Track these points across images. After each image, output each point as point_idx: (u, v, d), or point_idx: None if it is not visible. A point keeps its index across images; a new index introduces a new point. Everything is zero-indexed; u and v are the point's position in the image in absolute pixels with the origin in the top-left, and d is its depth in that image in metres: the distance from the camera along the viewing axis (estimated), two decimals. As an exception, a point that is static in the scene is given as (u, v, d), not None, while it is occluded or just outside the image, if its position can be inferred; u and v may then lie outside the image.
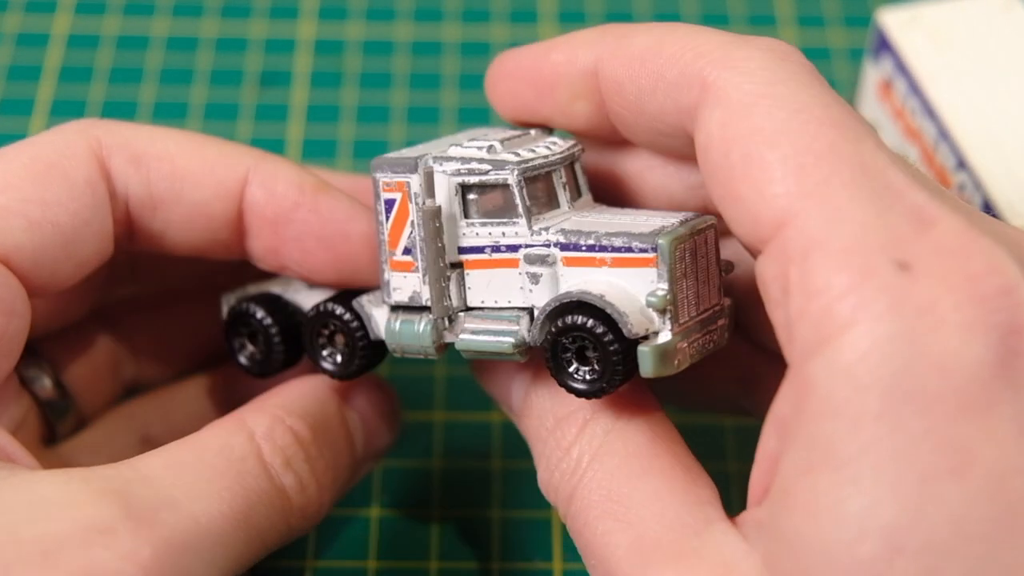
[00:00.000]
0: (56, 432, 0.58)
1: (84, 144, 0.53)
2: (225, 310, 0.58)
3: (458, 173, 0.51)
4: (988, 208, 0.64)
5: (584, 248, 0.50)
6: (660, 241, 0.48)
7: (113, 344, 0.61)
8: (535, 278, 0.51)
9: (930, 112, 0.68)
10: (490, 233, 0.51)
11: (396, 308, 0.53)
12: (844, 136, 0.44)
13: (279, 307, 0.56)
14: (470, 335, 0.52)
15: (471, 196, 0.51)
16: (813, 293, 0.42)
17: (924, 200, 0.43)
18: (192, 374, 0.64)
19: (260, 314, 0.56)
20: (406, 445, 0.66)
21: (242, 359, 0.57)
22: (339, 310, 0.54)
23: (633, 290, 0.49)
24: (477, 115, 0.82)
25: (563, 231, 0.50)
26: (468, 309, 0.52)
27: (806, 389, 0.42)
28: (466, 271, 0.52)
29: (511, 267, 0.51)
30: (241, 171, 0.55)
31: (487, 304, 0.52)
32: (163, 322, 0.63)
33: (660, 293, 0.48)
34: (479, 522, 0.63)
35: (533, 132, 0.55)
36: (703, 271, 0.50)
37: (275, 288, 0.57)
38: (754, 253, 0.45)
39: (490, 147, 0.51)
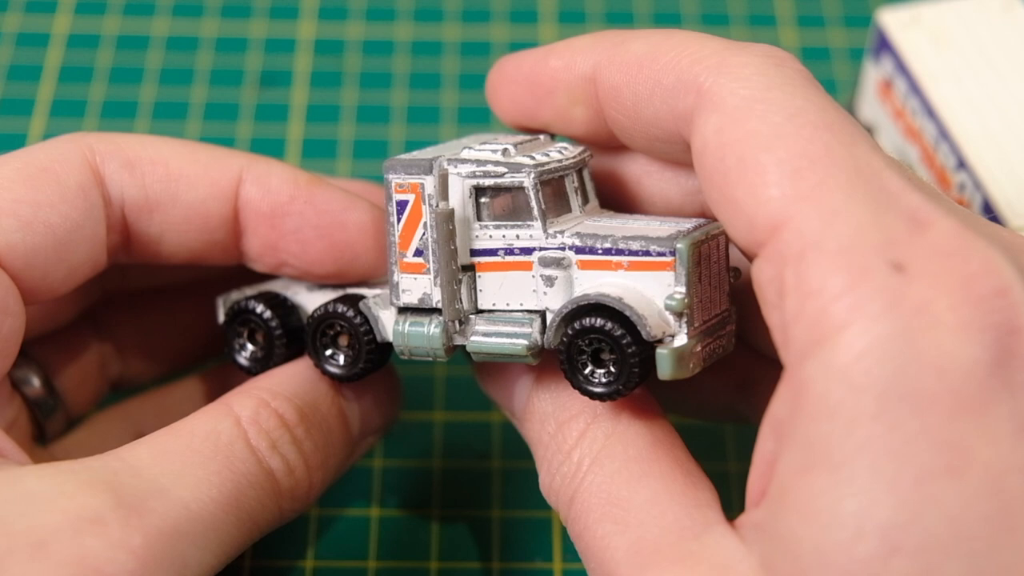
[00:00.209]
0: (45, 431, 0.58)
1: (76, 151, 0.54)
2: (222, 310, 0.57)
3: (473, 175, 0.51)
4: (988, 208, 0.64)
5: (600, 251, 0.50)
6: (679, 245, 0.49)
7: (100, 343, 0.61)
8: (550, 281, 0.51)
9: (930, 112, 0.68)
10: (504, 236, 0.51)
11: (404, 310, 0.53)
12: (839, 139, 0.44)
13: (281, 304, 0.56)
14: (482, 337, 0.52)
15: (484, 199, 0.51)
16: (808, 295, 0.42)
17: (919, 202, 0.43)
18: (186, 374, 0.64)
19: (263, 310, 0.56)
20: (406, 445, 0.66)
21: (241, 359, 0.57)
22: (347, 311, 0.54)
23: (649, 293, 0.49)
24: (477, 115, 0.82)
25: (578, 234, 0.50)
26: (479, 311, 0.52)
27: (802, 390, 0.42)
28: (478, 273, 0.52)
29: (524, 270, 0.51)
30: (234, 171, 0.55)
31: (498, 306, 0.52)
32: (150, 321, 0.63)
33: (678, 296, 0.48)
34: (479, 522, 0.63)
35: (542, 138, 0.55)
36: (715, 276, 0.50)
37: (275, 287, 0.57)
38: (750, 257, 0.46)
39: (504, 150, 0.51)
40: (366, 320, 0.54)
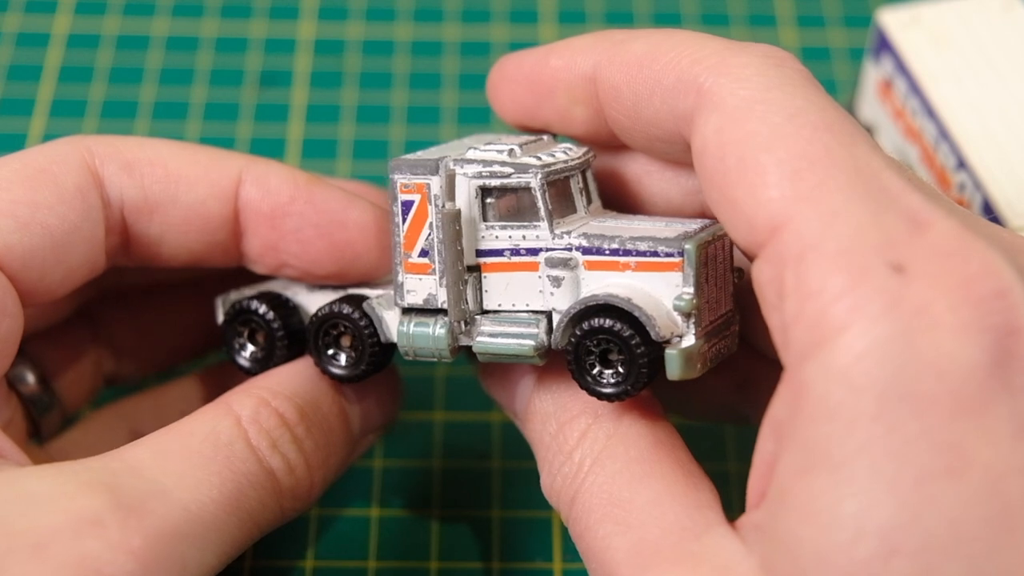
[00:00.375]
0: (41, 429, 0.58)
1: (75, 153, 0.54)
2: (221, 311, 0.57)
3: (479, 175, 0.51)
4: (988, 208, 0.64)
5: (607, 252, 0.50)
6: (687, 246, 0.49)
7: (95, 339, 0.61)
8: (557, 281, 0.51)
9: (930, 112, 0.68)
10: (510, 236, 0.51)
11: (408, 311, 0.53)
12: (839, 140, 0.44)
13: (283, 305, 0.56)
14: (488, 338, 0.52)
15: (490, 199, 0.51)
16: (808, 296, 0.42)
17: (919, 203, 0.43)
18: (182, 372, 0.64)
19: (265, 311, 0.56)
20: (406, 445, 0.66)
21: (241, 359, 0.57)
22: (351, 311, 0.54)
23: (657, 294, 0.49)
24: (477, 115, 0.82)
25: (585, 235, 0.50)
26: (484, 312, 0.52)
27: (802, 392, 0.42)
28: (483, 274, 0.52)
29: (530, 270, 0.51)
30: (234, 172, 0.55)
31: (504, 307, 0.52)
32: (144, 318, 0.63)
33: (687, 297, 0.49)
34: (479, 522, 0.63)
35: (545, 138, 0.55)
36: (720, 277, 0.51)
37: (275, 288, 0.57)
38: (750, 257, 0.46)
39: (511, 151, 0.51)
40: (370, 321, 0.54)
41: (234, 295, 0.57)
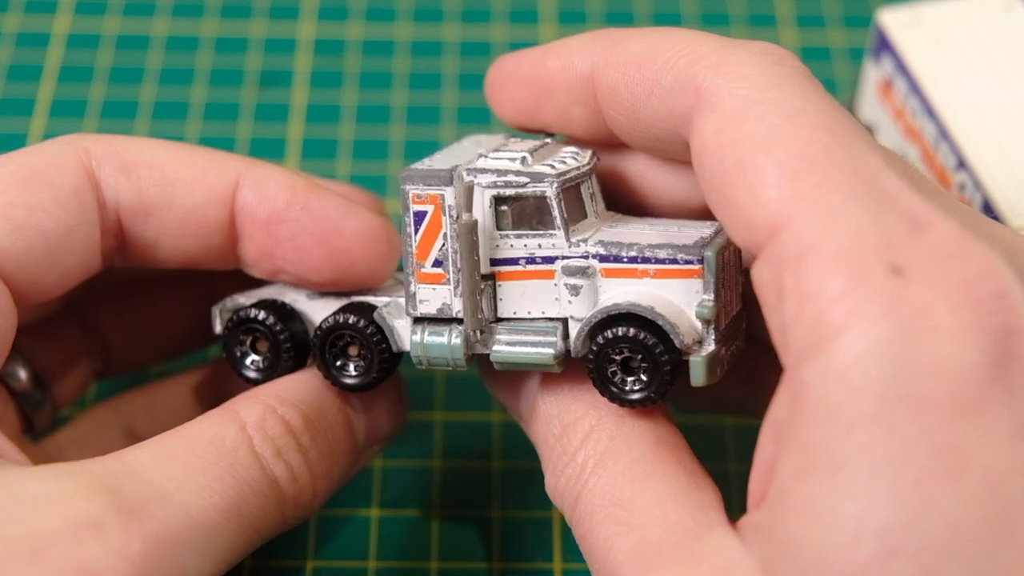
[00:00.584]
0: (33, 424, 0.58)
1: (72, 154, 0.53)
2: (219, 320, 0.56)
3: (494, 185, 0.51)
4: (988, 208, 0.64)
5: (626, 260, 0.50)
6: (707, 253, 0.49)
7: (85, 333, 0.61)
8: (575, 290, 0.51)
9: (930, 112, 0.68)
10: (525, 245, 0.51)
11: (420, 320, 0.53)
12: (838, 140, 0.44)
13: (288, 313, 0.56)
14: (506, 347, 0.52)
15: (504, 208, 0.51)
16: (807, 297, 0.42)
17: (918, 204, 0.43)
18: (175, 369, 0.64)
19: (272, 320, 0.55)
20: (406, 445, 0.66)
21: (247, 371, 0.56)
22: (362, 322, 0.53)
23: (677, 301, 0.49)
24: (477, 115, 0.82)
25: (602, 242, 0.51)
26: (498, 320, 0.52)
27: (801, 393, 0.42)
28: (498, 283, 0.52)
29: (546, 278, 0.51)
30: (231, 176, 0.55)
31: (519, 315, 0.52)
32: (134, 311, 0.62)
33: (709, 304, 0.49)
34: (479, 522, 0.63)
35: (549, 141, 0.55)
36: (732, 279, 0.51)
37: (271, 294, 0.57)
38: (751, 258, 0.46)
39: (523, 159, 0.51)
40: (380, 330, 0.54)
41: (230, 303, 0.56)
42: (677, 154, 0.52)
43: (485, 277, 0.52)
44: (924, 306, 0.41)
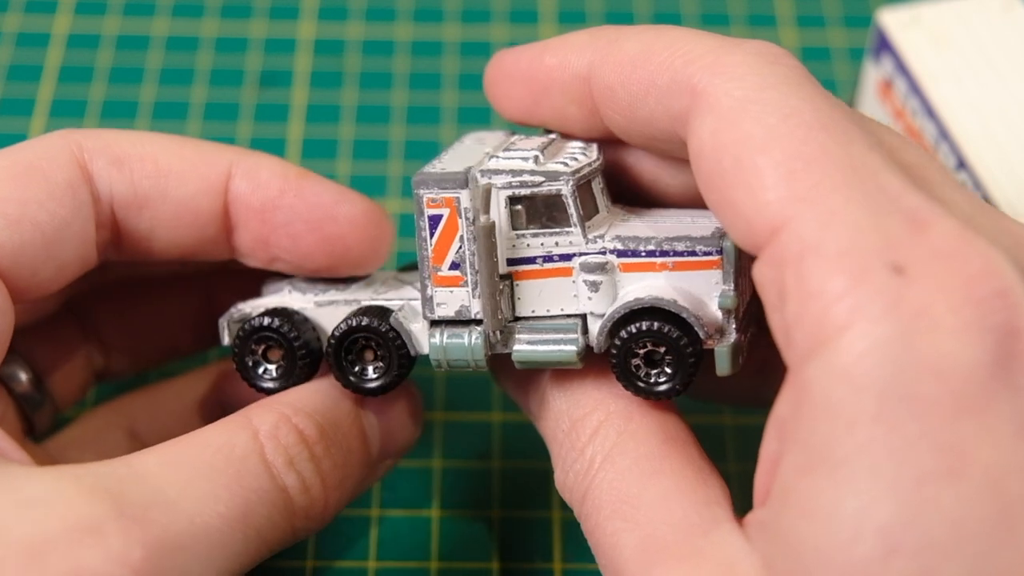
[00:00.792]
0: (34, 426, 0.58)
1: (65, 148, 0.53)
2: (227, 332, 0.56)
3: (509, 186, 0.51)
4: (988, 208, 0.64)
5: (644, 254, 0.50)
6: (726, 244, 0.49)
7: (85, 335, 0.61)
8: (594, 286, 0.51)
9: (930, 112, 0.68)
10: (542, 243, 0.52)
11: (437, 323, 0.53)
12: (835, 139, 0.44)
13: (302, 320, 0.55)
14: (527, 346, 0.52)
15: (519, 207, 0.51)
16: (808, 297, 0.42)
17: (918, 202, 0.43)
18: (178, 370, 0.64)
19: (285, 327, 0.54)
20: (406, 445, 0.66)
21: (263, 382, 0.55)
22: (383, 325, 0.53)
23: (697, 292, 0.50)
24: (477, 115, 0.82)
25: (619, 237, 0.51)
26: (516, 319, 0.52)
27: (804, 392, 0.42)
28: (516, 282, 0.52)
29: (564, 276, 0.52)
30: (224, 166, 0.55)
31: (537, 313, 0.52)
32: (134, 313, 0.62)
33: (730, 294, 0.49)
34: (479, 522, 0.63)
35: (555, 137, 0.55)
36: (745, 266, 0.51)
37: (276, 303, 0.56)
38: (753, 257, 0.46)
39: (535, 157, 0.51)
40: (399, 335, 0.53)
41: (237, 314, 0.56)
42: (675, 152, 0.51)
43: (503, 277, 0.52)
44: (925, 305, 0.41)
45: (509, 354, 0.52)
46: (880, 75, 0.73)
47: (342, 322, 0.54)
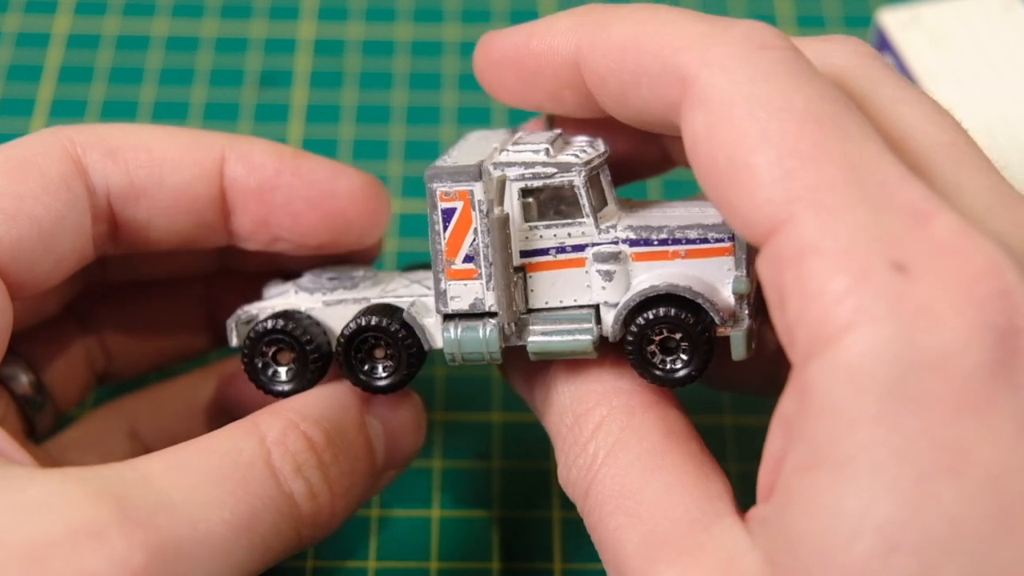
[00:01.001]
0: (35, 428, 0.58)
1: (57, 144, 0.54)
2: (235, 334, 0.55)
3: (522, 178, 0.51)
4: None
5: (656, 242, 0.51)
6: None
7: (85, 336, 0.61)
8: (608, 275, 0.51)
9: (930, 112, 0.68)
10: (555, 235, 0.52)
11: (451, 316, 0.53)
12: (830, 133, 0.43)
13: (313, 322, 0.54)
14: (542, 337, 0.52)
15: (531, 199, 0.52)
16: (810, 297, 0.42)
17: (919, 194, 0.42)
18: (179, 371, 0.64)
19: (298, 330, 0.54)
20: (406, 445, 0.66)
21: (275, 386, 0.55)
22: (393, 325, 0.53)
23: (710, 279, 0.51)
24: (477, 115, 0.82)
25: (631, 227, 0.51)
26: (529, 311, 0.52)
27: (807, 391, 0.42)
28: (529, 274, 0.52)
29: (577, 266, 0.52)
30: (217, 151, 0.55)
31: (551, 304, 0.52)
32: (134, 314, 0.62)
33: (743, 279, 0.50)
34: (479, 522, 0.63)
35: (560, 132, 0.55)
36: (754, 254, 0.51)
37: (281, 304, 0.55)
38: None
39: (546, 150, 0.52)
40: (410, 330, 0.53)
41: (244, 316, 0.55)
42: (675, 132, 0.51)
43: (516, 269, 0.52)
44: (927, 304, 0.41)
45: (522, 346, 0.52)
46: (880, 75, 0.72)
47: (351, 321, 0.54)
